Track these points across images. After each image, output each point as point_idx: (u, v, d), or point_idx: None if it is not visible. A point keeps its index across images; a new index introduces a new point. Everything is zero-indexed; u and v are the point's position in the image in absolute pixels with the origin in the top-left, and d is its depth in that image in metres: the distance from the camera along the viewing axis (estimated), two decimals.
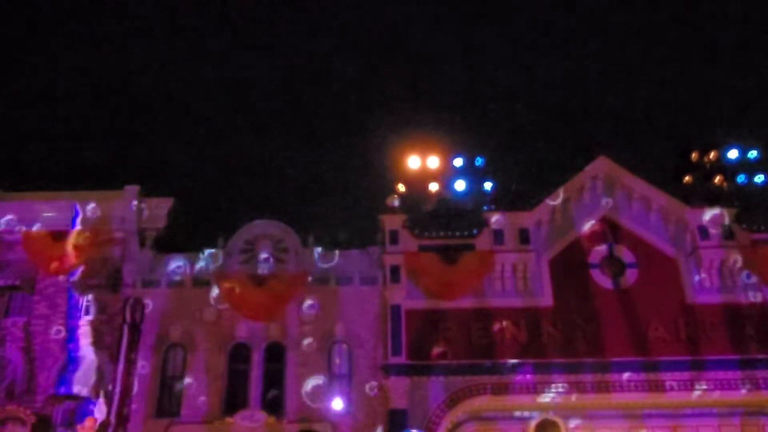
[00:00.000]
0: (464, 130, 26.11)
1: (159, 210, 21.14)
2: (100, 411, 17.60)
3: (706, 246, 20.03)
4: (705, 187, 21.36)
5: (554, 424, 18.27)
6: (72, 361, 19.08)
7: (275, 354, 19.78)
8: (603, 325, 19.35)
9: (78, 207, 20.46)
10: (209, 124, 40.51)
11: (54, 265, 19.95)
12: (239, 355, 19.81)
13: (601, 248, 20.48)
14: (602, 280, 20.15)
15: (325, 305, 19.92)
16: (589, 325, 19.38)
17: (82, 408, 18.50)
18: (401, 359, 19.06)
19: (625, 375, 18.60)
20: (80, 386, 18.41)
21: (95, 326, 19.69)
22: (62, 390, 18.41)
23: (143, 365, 18.69)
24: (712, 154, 21.70)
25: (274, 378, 19.51)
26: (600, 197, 21.03)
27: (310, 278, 20.07)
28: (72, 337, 19.56)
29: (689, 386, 18.59)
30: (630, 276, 20.16)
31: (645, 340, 19.15)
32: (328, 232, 21.68)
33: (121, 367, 17.80)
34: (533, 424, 18.40)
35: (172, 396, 19.41)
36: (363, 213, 22.32)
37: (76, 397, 18.53)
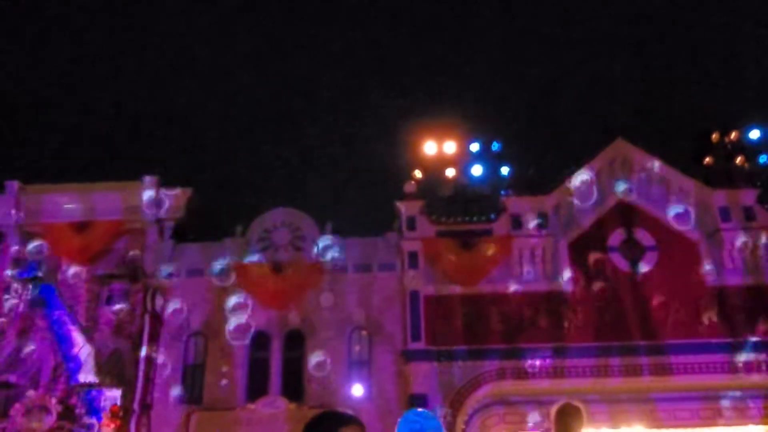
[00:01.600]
0: (481, 115, 25.96)
1: (178, 200, 21.25)
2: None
3: (727, 228, 19.81)
4: (726, 168, 21.05)
5: (576, 409, 18.13)
6: (94, 351, 19.31)
7: (295, 341, 19.91)
8: (623, 309, 19.23)
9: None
10: (224, 115, 40.66)
11: (75, 256, 20.21)
12: (259, 342, 19.96)
13: (620, 231, 20.33)
14: (622, 263, 20.00)
15: (343, 292, 19.97)
16: (608, 308, 19.26)
17: (106, 396, 18.73)
18: (421, 345, 19.10)
19: (644, 359, 18.49)
20: (102, 375, 18.65)
21: (117, 316, 19.93)
22: (85, 379, 18.65)
23: (165, 354, 18.88)
24: (733, 135, 21.36)
25: (294, 365, 19.64)
26: (618, 180, 20.84)
27: (328, 266, 20.12)
28: (94, 327, 19.79)
29: (712, 369, 18.43)
30: (650, 259, 19.99)
31: (665, 324, 19.02)
32: (346, 219, 21.69)
33: (143, 356, 18.03)
34: (554, 409, 18.29)
35: (194, 384, 19.62)
36: (380, 199, 22.28)
37: (99, 386, 18.76)
